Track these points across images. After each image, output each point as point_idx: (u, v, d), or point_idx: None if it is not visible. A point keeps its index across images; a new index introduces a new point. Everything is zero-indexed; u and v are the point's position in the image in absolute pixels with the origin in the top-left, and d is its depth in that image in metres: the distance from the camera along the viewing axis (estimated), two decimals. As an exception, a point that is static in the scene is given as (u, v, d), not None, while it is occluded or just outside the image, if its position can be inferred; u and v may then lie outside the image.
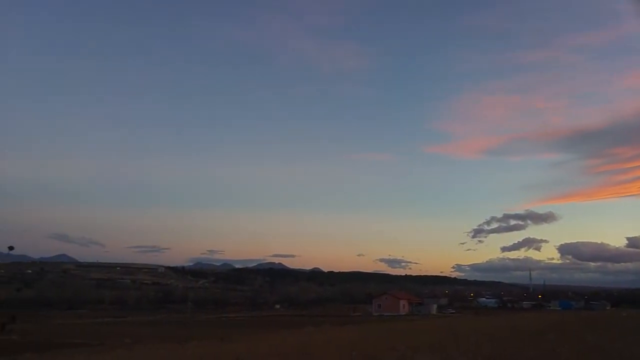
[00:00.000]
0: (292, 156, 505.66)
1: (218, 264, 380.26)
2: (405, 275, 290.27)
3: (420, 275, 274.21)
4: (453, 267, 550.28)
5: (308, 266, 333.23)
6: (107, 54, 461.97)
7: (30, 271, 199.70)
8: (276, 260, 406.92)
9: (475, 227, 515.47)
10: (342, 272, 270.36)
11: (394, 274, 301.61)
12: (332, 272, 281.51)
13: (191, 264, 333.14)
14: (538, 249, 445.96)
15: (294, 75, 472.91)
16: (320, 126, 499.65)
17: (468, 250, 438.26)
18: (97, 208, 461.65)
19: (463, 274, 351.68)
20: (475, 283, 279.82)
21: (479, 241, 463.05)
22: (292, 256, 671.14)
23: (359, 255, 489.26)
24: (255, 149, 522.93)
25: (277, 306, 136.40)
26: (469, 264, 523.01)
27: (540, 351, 14.00)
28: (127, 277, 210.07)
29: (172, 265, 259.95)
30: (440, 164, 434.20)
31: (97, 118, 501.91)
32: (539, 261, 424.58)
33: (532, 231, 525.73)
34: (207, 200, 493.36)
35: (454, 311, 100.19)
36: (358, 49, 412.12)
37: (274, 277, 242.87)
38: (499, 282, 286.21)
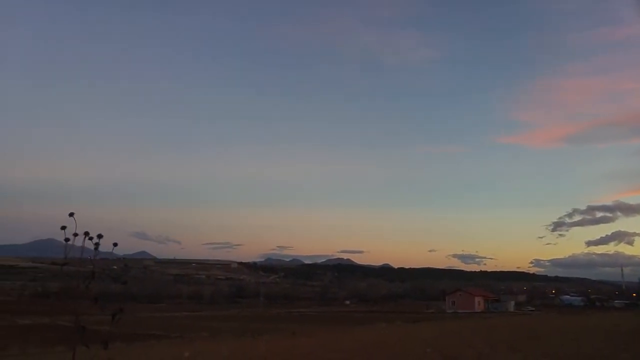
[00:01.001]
0: (359, 152, 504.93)
1: (288, 260, 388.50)
2: (480, 271, 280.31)
3: (496, 271, 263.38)
4: (531, 262, 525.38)
5: (377, 262, 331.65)
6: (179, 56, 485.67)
7: (115, 267, 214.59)
8: (344, 256, 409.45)
9: (556, 220, 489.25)
10: (413, 269, 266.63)
11: (467, 270, 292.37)
12: (402, 268, 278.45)
13: (262, 259, 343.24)
14: (631, 243, 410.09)
15: (358, 69, 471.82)
16: (386, 120, 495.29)
17: (547, 244, 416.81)
18: (174, 208, 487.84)
19: (542, 270, 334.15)
20: (557, 279, 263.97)
21: (560, 235, 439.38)
22: (361, 252, 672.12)
23: (430, 251, 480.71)
24: (322, 147, 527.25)
25: (347, 302, 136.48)
26: (548, 259, 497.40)
27: (636, 354, 12.70)
28: (202, 273, 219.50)
29: (244, 261, 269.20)
30: (515, 155, 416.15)
31: (170, 121, 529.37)
32: (633, 256, 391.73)
33: (623, 224, 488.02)
34: (277, 198, 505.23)
35: (533, 309, 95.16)
36: (423, 39, 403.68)
37: (342, 272, 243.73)
38: (584, 279, 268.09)
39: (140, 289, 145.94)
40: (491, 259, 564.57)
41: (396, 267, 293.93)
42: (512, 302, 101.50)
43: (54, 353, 22.89)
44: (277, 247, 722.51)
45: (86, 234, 2.73)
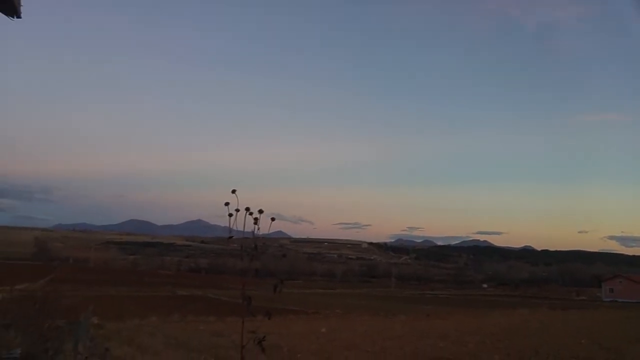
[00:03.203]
0: (496, 125, 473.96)
1: (419, 241, 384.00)
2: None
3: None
4: None
5: (517, 244, 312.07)
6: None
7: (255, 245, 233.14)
8: (481, 237, 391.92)
9: None
10: (560, 251, 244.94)
11: (628, 253, 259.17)
12: (546, 250, 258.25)
13: (392, 240, 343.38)
14: None
15: (493, 37, 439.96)
16: (529, 89, 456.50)
17: None
18: (306, 189, 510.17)
19: None
20: None
21: None
22: (499, 233, 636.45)
23: (580, 232, 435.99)
24: (453, 120, 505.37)
25: (485, 285, 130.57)
26: None
27: None
28: (334, 252, 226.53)
29: (373, 241, 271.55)
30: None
31: (295, 111, 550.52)
32: None
33: None
34: (406, 177, 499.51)
35: None
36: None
37: (478, 254, 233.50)
38: None
39: (277, 267, 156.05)
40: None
41: (539, 249, 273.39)
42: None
43: (207, 322, 25.20)
44: (407, 227, 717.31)
45: (247, 209, 2.74)
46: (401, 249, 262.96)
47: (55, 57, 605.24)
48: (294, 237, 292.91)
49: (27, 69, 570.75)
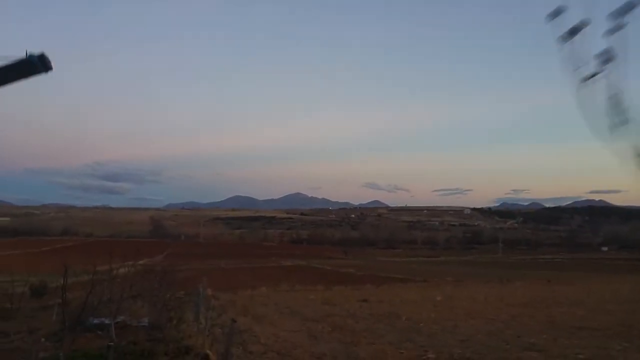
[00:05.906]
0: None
1: (525, 204, 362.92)
2: None
3: None
4: None
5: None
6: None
7: (353, 216, 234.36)
8: (595, 197, 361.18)
9: None
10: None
11: None
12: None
13: (496, 204, 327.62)
14: None
15: None
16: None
17: None
18: (400, 157, 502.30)
19: None
20: None
21: None
22: (617, 191, 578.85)
23: None
24: (554, 74, 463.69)
25: (604, 248, 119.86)
26: None
27: None
28: (435, 219, 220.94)
29: (476, 206, 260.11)
30: None
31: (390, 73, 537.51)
32: None
33: None
34: (507, 137, 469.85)
35: None
36: None
37: (594, 215, 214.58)
38: None
39: (376, 236, 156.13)
40: None
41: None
42: None
43: (315, 291, 25.13)
44: (512, 190, 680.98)
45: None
46: (507, 213, 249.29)
47: (166, 51, 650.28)
48: (390, 206, 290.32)
49: (136, 60, 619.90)
